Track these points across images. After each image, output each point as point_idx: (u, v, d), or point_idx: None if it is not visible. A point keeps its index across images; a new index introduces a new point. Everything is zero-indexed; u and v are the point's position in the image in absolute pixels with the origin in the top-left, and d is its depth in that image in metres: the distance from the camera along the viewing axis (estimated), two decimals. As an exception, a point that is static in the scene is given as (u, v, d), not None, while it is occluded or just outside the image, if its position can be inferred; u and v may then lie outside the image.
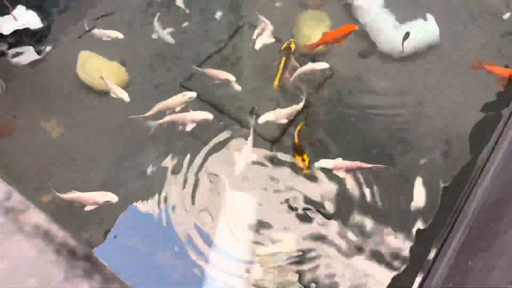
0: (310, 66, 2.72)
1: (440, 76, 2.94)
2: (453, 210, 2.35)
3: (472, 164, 2.52)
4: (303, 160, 2.46)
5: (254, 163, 2.53)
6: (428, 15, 3.07)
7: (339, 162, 2.42)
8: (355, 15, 3.18)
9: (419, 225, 2.35)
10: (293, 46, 2.73)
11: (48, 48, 3.03)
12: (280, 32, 3.01)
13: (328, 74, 2.89)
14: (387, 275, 2.20)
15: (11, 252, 0.70)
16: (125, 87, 2.81)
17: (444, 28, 3.03)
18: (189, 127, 2.51)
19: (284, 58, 2.71)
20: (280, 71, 2.69)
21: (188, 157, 2.58)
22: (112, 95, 2.69)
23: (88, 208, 2.23)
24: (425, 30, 3.03)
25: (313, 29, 2.97)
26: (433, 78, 2.93)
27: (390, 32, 3.04)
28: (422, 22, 3.05)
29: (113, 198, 2.26)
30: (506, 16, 3.16)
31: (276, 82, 2.69)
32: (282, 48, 2.76)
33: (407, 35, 2.82)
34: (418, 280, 2.15)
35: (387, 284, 2.18)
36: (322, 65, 2.71)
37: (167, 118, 2.54)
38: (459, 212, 2.28)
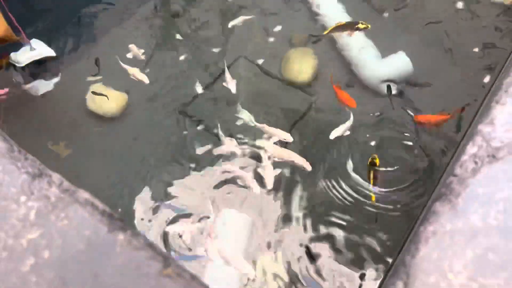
0: None
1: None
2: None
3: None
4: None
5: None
6: (400, 52, 3.52)
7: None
8: (339, 51, 3.62)
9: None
10: (361, 26, 3.11)
11: (58, 79, 3.45)
12: (270, 65, 3.50)
13: (311, 104, 3.31)
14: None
15: (71, 214, 1.07)
16: (124, 110, 3.26)
17: (418, 64, 3.46)
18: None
19: (345, 23, 3.15)
20: (335, 26, 3.12)
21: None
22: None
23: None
24: (401, 65, 3.46)
25: (300, 64, 3.42)
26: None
27: (373, 66, 3.47)
28: (400, 56, 3.49)
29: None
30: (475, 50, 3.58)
31: (327, 31, 3.19)
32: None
33: None
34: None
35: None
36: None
37: (274, 152, 2.86)
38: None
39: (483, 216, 1.09)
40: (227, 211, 2.72)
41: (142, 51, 3.51)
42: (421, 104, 3.26)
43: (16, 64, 3.39)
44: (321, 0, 3.82)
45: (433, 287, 0.99)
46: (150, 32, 3.80)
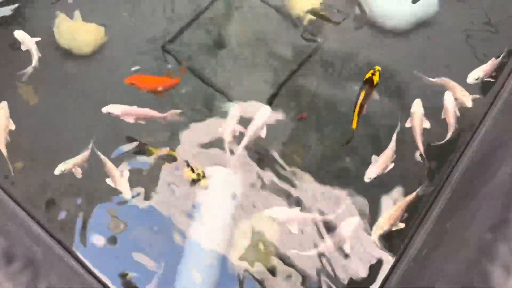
0: None
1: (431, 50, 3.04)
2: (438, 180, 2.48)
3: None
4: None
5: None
6: None
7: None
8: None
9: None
10: (376, 79, 2.64)
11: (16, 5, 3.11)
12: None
13: (317, 47, 3.02)
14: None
15: None
16: (103, 47, 2.98)
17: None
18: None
19: (363, 93, 2.55)
20: (357, 108, 2.53)
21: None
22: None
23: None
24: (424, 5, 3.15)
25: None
26: (424, 52, 3.02)
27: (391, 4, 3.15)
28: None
29: None
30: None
31: (354, 124, 2.53)
32: (364, 78, 2.63)
33: None
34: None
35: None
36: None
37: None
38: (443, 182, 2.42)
39: None
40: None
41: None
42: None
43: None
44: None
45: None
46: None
